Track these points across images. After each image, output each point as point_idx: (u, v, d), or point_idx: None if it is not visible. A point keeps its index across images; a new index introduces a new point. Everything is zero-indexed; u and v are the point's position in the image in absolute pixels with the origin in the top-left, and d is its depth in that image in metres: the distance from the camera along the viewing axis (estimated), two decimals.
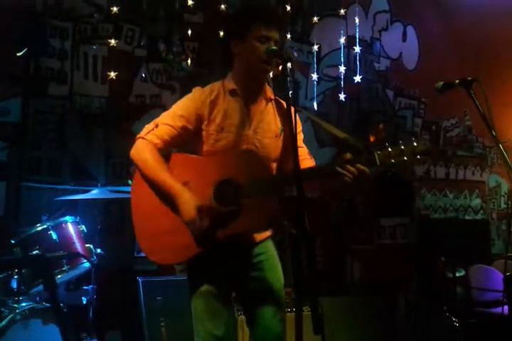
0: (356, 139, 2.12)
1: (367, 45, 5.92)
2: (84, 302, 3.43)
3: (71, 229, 3.18)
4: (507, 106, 6.10)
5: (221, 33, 4.88)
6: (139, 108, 4.61)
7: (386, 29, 6.17)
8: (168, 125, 2.15)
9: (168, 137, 2.14)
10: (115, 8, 4.52)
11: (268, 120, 2.23)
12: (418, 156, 1.93)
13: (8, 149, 4.08)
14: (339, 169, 1.95)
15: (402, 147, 1.93)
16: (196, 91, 2.23)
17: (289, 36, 5.31)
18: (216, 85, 2.25)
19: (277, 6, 5.33)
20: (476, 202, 6.39)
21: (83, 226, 3.28)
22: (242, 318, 2.76)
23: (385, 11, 6.16)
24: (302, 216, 1.75)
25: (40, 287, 2.98)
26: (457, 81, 2.37)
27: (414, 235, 5.32)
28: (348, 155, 1.99)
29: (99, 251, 3.34)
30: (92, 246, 3.29)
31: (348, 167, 1.94)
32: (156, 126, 2.17)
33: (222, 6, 4.98)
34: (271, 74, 2.54)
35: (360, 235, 5.37)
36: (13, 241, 3.00)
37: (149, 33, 4.72)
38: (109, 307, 3.72)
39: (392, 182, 5.35)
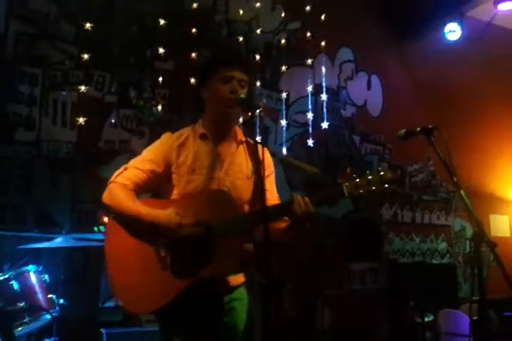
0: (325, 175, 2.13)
1: (333, 93, 6.09)
2: None
3: (33, 278, 3.10)
4: (469, 151, 6.30)
5: (192, 80, 5.02)
6: (107, 153, 4.60)
7: (351, 78, 6.37)
8: (136, 168, 2.18)
9: (137, 179, 2.16)
10: (86, 56, 4.58)
11: (239, 162, 2.25)
12: (386, 185, 1.93)
13: None
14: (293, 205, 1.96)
15: (369, 177, 1.95)
16: (165, 136, 2.28)
17: (258, 83, 5.45)
18: (186, 130, 2.31)
19: (247, 55, 5.48)
20: (443, 245, 6.48)
21: (46, 275, 3.20)
22: None
23: (350, 61, 6.38)
24: (269, 262, 1.74)
25: None
26: (418, 129, 2.43)
27: (384, 280, 5.32)
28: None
29: (62, 301, 3.25)
30: (54, 296, 3.20)
31: (300, 202, 1.96)
32: (125, 169, 2.21)
33: (193, 54, 5.11)
34: (241, 119, 2.60)
35: (330, 280, 5.34)
36: None
37: (120, 79, 4.78)
38: None
39: (361, 226, 5.39)
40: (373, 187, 1.93)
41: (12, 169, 4.16)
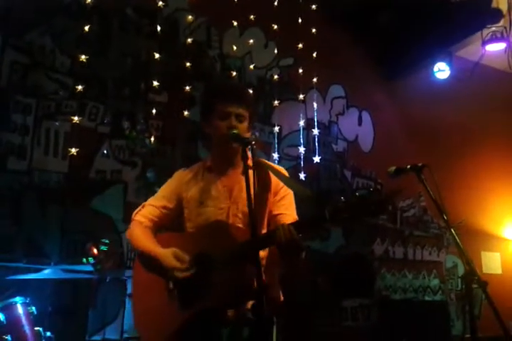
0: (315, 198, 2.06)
1: (325, 128, 6.16)
2: None
3: (20, 310, 3.01)
4: (460, 188, 6.34)
5: (185, 113, 5.05)
6: (98, 183, 4.56)
7: (343, 113, 6.46)
8: (151, 205, 2.37)
9: (152, 216, 2.34)
10: (80, 87, 4.60)
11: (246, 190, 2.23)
12: (372, 208, 1.80)
13: None
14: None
15: (354, 200, 1.84)
16: (177, 173, 2.42)
17: None
18: (197, 165, 2.42)
19: (243, 88, 5.52)
20: (435, 282, 6.42)
21: (33, 307, 3.11)
22: None
23: (341, 97, 6.48)
24: (261, 299, 1.74)
25: None
26: (408, 166, 2.46)
27: (376, 316, 5.25)
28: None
29: (48, 334, 3.14)
30: (41, 329, 3.10)
31: (281, 229, 1.92)
32: (143, 206, 2.40)
33: (187, 88, 5.16)
34: None
35: (322, 317, 5.25)
36: None
37: (113, 110, 4.78)
38: None
39: (353, 262, 5.34)
40: (357, 210, 1.83)
41: (2, 198, 4.10)
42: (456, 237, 2.24)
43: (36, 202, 4.25)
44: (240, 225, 2.19)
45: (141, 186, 4.74)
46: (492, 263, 6.82)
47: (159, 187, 4.70)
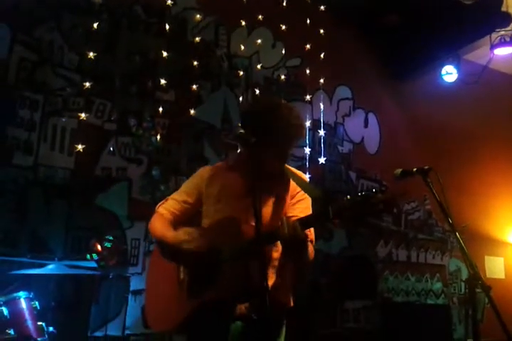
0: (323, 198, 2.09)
1: (331, 129, 6.15)
2: None
3: (24, 305, 3.03)
4: (464, 192, 6.32)
5: (192, 111, 5.06)
6: (104, 180, 4.57)
7: (349, 115, 6.45)
8: (174, 199, 2.45)
9: (173, 209, 2.42)
10: (87, 84, 4.61)
11: (266, 188, 2.22)
12: (377, 207, 1.82)
13: None
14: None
15: (358, 198, 1.85)
16: (200, 169, 2.50)
17: None
18: (220, 163, 2.54)
19: (246, 90, 5.55)
20: (438, 286, 6.41)
21: (36, 302, 3.13)
22: None
23: (347, 99, 6.47)
24: (264, 297, 1.74)
25: None
26: (414, 169, 2.45)
27: (378, 319, 5.23)
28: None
29: (51, 329, 3.16)
30: (44, 324, 3.11)
31: (285, 225, 1.98)
32: (166, 200, 2.48)
33: (194, 86, 5.16)
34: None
35: (324, 318, 5.25)
36: None
37: (120, 108, 4.79)
38: None
39: (356, 264, 5.33)
40: (361, 209, 1.84)
41: (7, 193, 4.11)
42: (461, 241, 2.23)
43: (41, 198, 4.26)
44: (254, 223, 2.18)
45: (146, 184, 4.75)
46: (495, 267, 6.80)
47: (164, 184, 4.75)
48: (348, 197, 1.90)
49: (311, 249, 2.19)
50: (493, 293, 2.15)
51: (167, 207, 2.44)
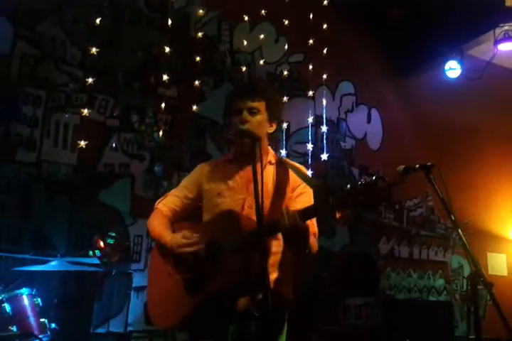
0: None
1: (333, 125, 6.13)
2: None
3: (26, 302, 3.04)
4: (468, 188, 6.30)
5: (194, 107, 5.05)
6: (106, 176, 4.58)
7: (351, 110, 6.43)
8: (174, 195, 2.45)
9: (173, 205, 2.42)
10: (90, 79, 4.60)
11: (265, 182, 2.19)
12: (376, 195, 1.81)
13: None
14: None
15: (358, 186, 1.84)
16: (200, 165, 2.50)
17: None
18: (220, 158, 2.57)
19: (260, 82, 5.52)
20: (440, 282, 6.41)
21: (39, 299, 3.14)
22: None
23: (350, 94, 6.45)
24: (266, 293, 1.76)
25: None
26: (417, 166, 2.45)
27: (380, 316, 5.24)
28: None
29: (53, 326, 3.17)
30: (46, 320, 3.13)
31: (285, 215, 1.96)
32: (165, 196, 2.48)
33: (197, 82, 5.15)
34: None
35: (325, 314, 5.25)
36: None
37: (123, 104, 4.78)
38: None
39: (358, 260, 5.33)
40: (360, 197, 1.82)
41: (11, 189, 4.11)
42: (463, 238, 2.23)
43: (44, 194, 4.27)
44: (254, 217, 2.14)
45: (149, 180, 4.75)
46: (498, 264, 6.79)
47: (166, 181, 4.75)
48: (349, 186, 1.90)
49: (313, 241, 2.18)
50: (495, 289, 2.15)
51: (167, 204, 2.43)
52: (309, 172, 5.55)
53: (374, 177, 1.87)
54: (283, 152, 5.55)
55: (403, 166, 2.52)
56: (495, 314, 2.11)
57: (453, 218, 2.30)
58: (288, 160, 2.37)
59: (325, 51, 5.93)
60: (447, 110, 6.56)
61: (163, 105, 4.92)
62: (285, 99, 5.69)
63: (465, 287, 6.39)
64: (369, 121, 6.54)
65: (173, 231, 2.31)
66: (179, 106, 5.04)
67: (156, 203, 2.47)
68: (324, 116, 5.93)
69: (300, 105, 5.87)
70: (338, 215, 1.97)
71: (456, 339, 5.32)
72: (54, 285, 3.60)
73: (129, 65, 4.87)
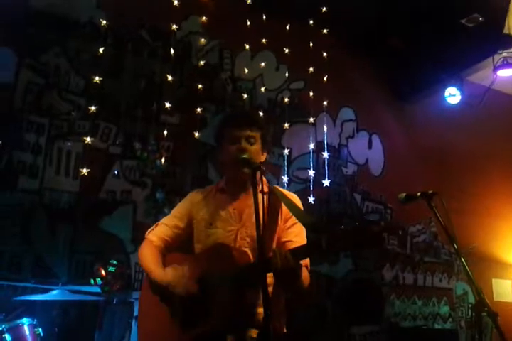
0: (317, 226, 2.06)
1: (335, 151, 6.15)
2: None
3: (27, 332, 3.00)
4: (471, 214, 6.28)
5: (196, 134, 5.08)
6: (108, 204, 4.57)
7: (352, 136, 6.46)
8: (164, 224, 2.40)
9: (163, 235, 2.36)
10: (93, 108, 4.64)
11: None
12: (369, 238, 1.78)
13: None
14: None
15: (352, 229, 1.81)
16: (190, 193, 2.46)
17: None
18: (210, 186, 2.47)
19: (255, 111, 5.58)
20: (445, 309, 6.32)
21: (40, 329, 3.09)
22: None
23: (351, 120, 6.49)
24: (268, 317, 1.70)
25: None
26: (419, 194, 2.44)
27: None
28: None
29: None
30: None
31: (278, 255, 1.90)
32: (156, 225, 2.43)
33: (198, 109, 5.20)
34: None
35: None
36: None
37: (125, 131, 4.82)
38: None
39: (362, 287, 5.27)
40: (353, 241, 1.80)
41: (12, 216, 4.11)
42: (467, 267, 2.21)
43: (46, 222, 4.26)
44: (247, 249, 2.18)
45: (151, 207, 4.74)
46: (503, 290, 6.71)
47: (168, 207, 4.73)
48: (342, 227, 1.85)
49: (305, 274, 2.12)
50: (500, 316, 2.12)
51: (157, 234, 2.37)
52: (311, 199, 5.57)
53: (368, 222, 1.88)
54: (285, 178, 5.56)
55: (405, 194, 2.52)
56: None
57: (456, 247, 2.28)
58: (279, 188, 2.31)
59: (325, 78, 6.00)
60: (448, 136, 6.59)
61: (165, 132, 4.94)
62: (286, 125, 5.74)
63: (470, 314, 6.31)
64: (370, 147, 6.56)
65: (165, 264, 2.24)
66: (181, 133, 5.07)
67: (147, 232, 2.42)
68: (325, 142, 5.95)
69: (301, 131, 5.90)
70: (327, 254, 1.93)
71: None
72: (55, 314, 3.55)
73: (132, 93, 4.93)
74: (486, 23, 5.67)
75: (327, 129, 6.01)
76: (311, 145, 5.84)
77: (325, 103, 5.99)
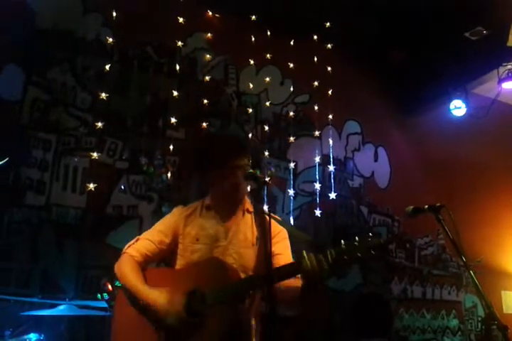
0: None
1: (341, 164, 6.15)
2: None
3: None
4: (479, 226, 6.23)
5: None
6: (115, 219, 4.58)
7: (358, 149, 6.46)
8: (146, 239, 2.32)
9: (145, 250, 2.28)
10: (100, 124, 4.68)
11: (244, 230, 2.29)
12: (372, 251, 1.88)
13: None
14: (302, 260, 1.92)
15: (356, 243, 1.90)
16: (175, 209, 2.42)
17: (267, 153, 5.53)
18: (196, 203, 2.42)
19: (255, 126, 5.62)
20: (454, 323, 6.25)
21: None
22: None
23: (357, 133, 6.50)
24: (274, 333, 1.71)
25: None
26: (426, 207, 2.42)
27: None
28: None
29: None
30: None
31: (309, 257, 1.92)
32: (137, 240, 2.34)
33: (204, 124, 5.23)
34: (248, 188, 2.69)
35: None
36: None
37: (132, 146, 4.85)
38: None
39: (371, 301, 5.23)
40: (359, 254, 1.88)
41: (20, 232, 4.12)
42: (476, 279, 2.18)
43: (53, 238, 4.27)
44: (234, 266, 2.19)
45: (157, 221, 4.74)
46: None
47: None
48: (343, 242, 1.93)
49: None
50: (511, 329, 2.10)
51: (139, 248, 2.28)
52: (318, 212, 5.55)
53: (370, 235, 1.93)
54: (291, 191, 5.56)
55: (412, 207, 2.50)
56: None
57: (464, 260, 2.26)
58: (266, 211, 2.30)
59: (330, 92, 6.04)
60: (454, 148, 6.57)
61: (171, 147, 4.97)
62: (292, 139, 5.76)
63: (480, 327, 6.23)
64: (376, 159, 6.57)
65: (145, 280, 2.19)
66: (187, 148, 5.09)
67: (126, 247, 2.33)
68: (331, 156, 5.97)
69: (307, 145, 5.92)
70: None
71: None
72: (62, 329, 3.54)
73: (138, 108, 4.97)
74: (490, 36, 5.70)
75: (332, 142, 6.03)
76: (317, 159, 5.85)
77: (330, 116, 6.02)
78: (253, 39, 5.72)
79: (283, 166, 5.72)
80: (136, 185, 4.80)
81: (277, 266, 2.03)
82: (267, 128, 5.68)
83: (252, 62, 5.75)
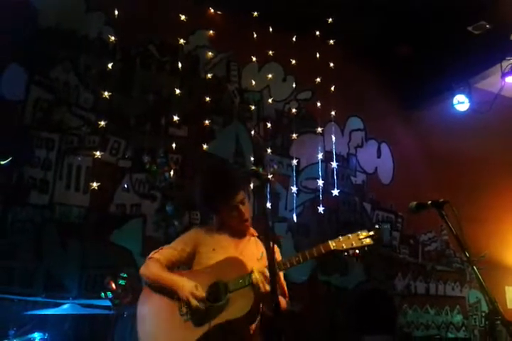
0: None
1: (343, 160, 6.15)
2: None
3: None
4: (483, 222, 6.22)
5: (204, 146, 5.12)
6: (118, 217, 4.60)
7: (361, 146, 6.45)
8: (170, 247, 2.65)
9: (170, 256, 2.60)
10: (102, 122, 4.70)
11: (250, 248, 2.65)
12: (363, 242, 2.33)
13: None
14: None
15: (349, 235, 2.37)
16: (193, 228, 2.78)
17: (269, 150, 5.54)
18: (209, 225, 2.80)
19: (258, 123, 5.62)
20: (458, 318, 6.25)
21: None
22: None
23: (359, 129, 6.49)
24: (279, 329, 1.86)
25: None
26: (429, 202, 2.42)
27: None
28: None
29: None
30: None
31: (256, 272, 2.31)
32: (161, 249, 2.66)
33: (207, 122, 5.24)
34: (251, 185, 3.24)
35: None
36: None
37: (135, 145, 4.86)
38: None
39: (374, 297, 5.24)
40: (353, 243, 2.33)
41: (23, 232, 4.15)
42: (479, 275, 2.18)
43: (57, 236, 4.30)
44: None
45: (160, 219, 4.77)
46: None
47: (178, 220, 4.75)
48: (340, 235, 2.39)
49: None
50: None
51: (163, 254, 2.60)
52: (321, 209, 5.55)
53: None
54: (294, 188, 5.57)
55: (415, 203, 2.50)
56: None
57: (467, 255, 2.26)
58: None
59: (332, 88, 6.02)
60: (457, 143, 6.55)
61: (173, 145, 4.98)
62: (294, 135, 5.76)
63: (484, 322, 6.22)
64: (379, 155, 6.55)
65: None
66: (190, 146, 5.11)
67: (151, 254, 2.62)
68: (334, 152, 5.96)
69: (309, 141, 5.91)
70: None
71: None
72: (66, 328, 3.57)
73: (140, 107, 4.98)
74: (492, 30, 5.67)
75: (335, 139, 6.02)
76: (320, 155, 5.85)
77: (333, 113, 6.01)
78: (255, 36, 5.71)
79: (286, 163, 5.72)
80: (139, 184, 4.81)
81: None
82: (269, 125, 5.68)
83: (254, 58, 5.75)
